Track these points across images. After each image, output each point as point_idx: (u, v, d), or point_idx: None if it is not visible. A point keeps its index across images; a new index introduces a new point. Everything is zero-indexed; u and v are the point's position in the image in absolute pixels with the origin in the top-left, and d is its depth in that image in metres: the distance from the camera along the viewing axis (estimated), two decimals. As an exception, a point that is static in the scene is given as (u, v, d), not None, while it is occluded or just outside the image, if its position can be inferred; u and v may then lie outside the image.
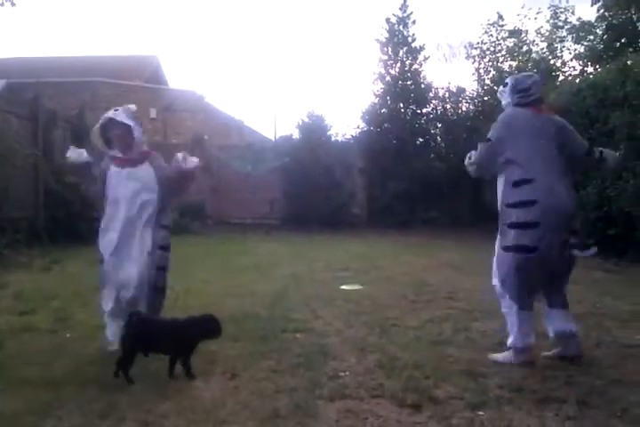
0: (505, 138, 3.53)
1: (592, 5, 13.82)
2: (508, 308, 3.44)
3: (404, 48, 15.94)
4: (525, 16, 17.28)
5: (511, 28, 17.38)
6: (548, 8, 16.97)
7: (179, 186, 4.02)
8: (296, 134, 15.79)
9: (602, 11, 13.65)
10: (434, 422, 2.58)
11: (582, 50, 15.59)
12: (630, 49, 11.97)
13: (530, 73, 3.99)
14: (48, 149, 9.99)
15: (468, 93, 16.56)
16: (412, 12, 16.02)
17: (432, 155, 15.76)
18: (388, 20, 16.03)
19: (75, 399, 2.82)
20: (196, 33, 55.85)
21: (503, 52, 17.34)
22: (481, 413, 2.65)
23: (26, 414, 2.68)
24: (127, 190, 3.77)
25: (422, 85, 15.90)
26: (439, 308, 4.97)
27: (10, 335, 3.97)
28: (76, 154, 3.92)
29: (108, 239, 3.76)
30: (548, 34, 17.09)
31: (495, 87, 15.00)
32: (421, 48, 16.03)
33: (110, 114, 3.83)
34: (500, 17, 17.44)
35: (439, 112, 16.22)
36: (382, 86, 16.01)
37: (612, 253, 7.63)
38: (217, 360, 3.42)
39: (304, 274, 6.96)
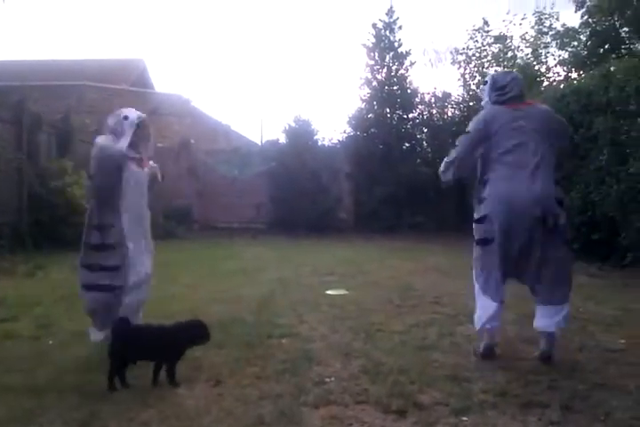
0: (481, 132, 3.60)
1: (576, 12, 14.00)
2: (475, 293, 3.68)
3: (391, 53, 16.01)
4: (510, 22, 17.43)
5: (496, 33, 17.53)
6: (533, 14, 17.15)
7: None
8: (283, 139, 15.80)
9: (585, 17, 13.80)
10: (418, 429, 2.57)
11: (566, 56, 15.75)
12: (613, 55, 12.11)
13: (510, 70, 3.98)
14: (32, 152, 9.91)
15: (453, 99, 16.66)
16: (398, 18, 16.11)
17: (418, 160, 15.82)
18: (374, 26, 16.09)
19: (57, 407, 2.79)
20: (182, 37, 55.82)
21: (488, 58, 17.46)
22: (465, 418, 2.66)
23: (8, 421, 2.65)
24: (145, 191, 3.98)
25: (408, 90, 15.98)
26: (424, 312, 4.98)
27: (-9, 342, 3.92)
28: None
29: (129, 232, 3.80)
30: (532, 40, 17.24)
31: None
32: (408, 53, 16.10)
33: (138, 113, 3.92)
34: (486, 23, 17.59)
35: (425, 117, 16.29)
36: (369, 91, 16.05)
37: (595, 257, 7.70)
38: (201, 367, 3.39)
39: (290, 279, 6.95)
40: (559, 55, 16.38)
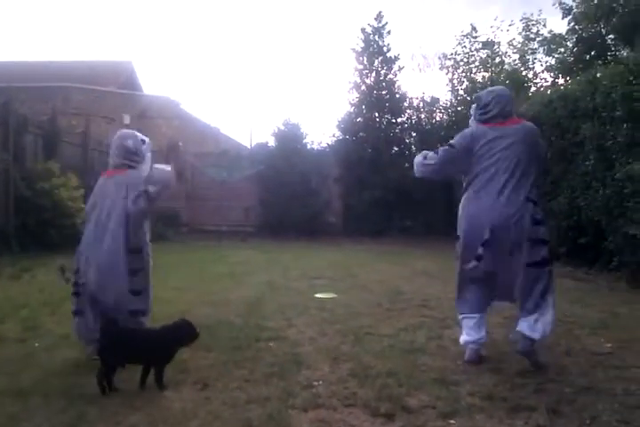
0: (465, 149, 3.64)
1: (563, 18, 14.19)
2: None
3: (380, 58, 16.10)
4: (498, 28, 17.65)
5: (484, 39, 17.71)
6: (521, 20, 17.38)
7: None
8: (272, 142, 15.83)
9: (572, 24, 13.98)
10: (406, 432, 2.58)
11: (553, 62, 15.96)
12: (599, 62, 12.24)
13: (493, 88, 3.95)
14: (19, 154, 9.83)
15: (441, 103, 16.80)
16: (387, 23, 16.22)
17: (407, 164, 15.79)
18: (363, 30, 16.17)
19: (43, 410, 2.76)
20: (171, 39, 55.60)
21: (476, 64, 17.63)
22: (452, 421, 2.67)
23: (-8, 425, 2.62)
24: None
25: (397, 95, 16.08)
26: (413, 316, 4.99)
27: (-24, 345, 3.88)
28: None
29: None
30: (520, 46, 17.45)
31: (468, 98, 15.22)
32: (396, 58, 16.20)
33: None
34: (474, 28, 17.76)
35: (414, 122, 16.40)
36: (358, 95, 16.13)
37: (582, 261, 7.77)
38: (189, 370, 3.38)
39: (279, 282, 6.94)
40: (546, 61, 16.62)
